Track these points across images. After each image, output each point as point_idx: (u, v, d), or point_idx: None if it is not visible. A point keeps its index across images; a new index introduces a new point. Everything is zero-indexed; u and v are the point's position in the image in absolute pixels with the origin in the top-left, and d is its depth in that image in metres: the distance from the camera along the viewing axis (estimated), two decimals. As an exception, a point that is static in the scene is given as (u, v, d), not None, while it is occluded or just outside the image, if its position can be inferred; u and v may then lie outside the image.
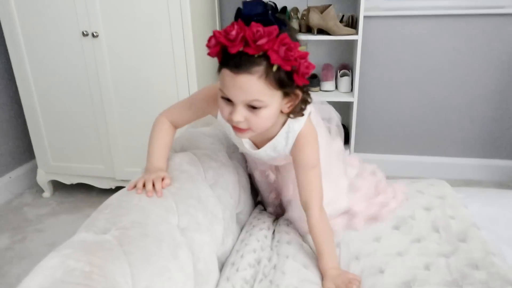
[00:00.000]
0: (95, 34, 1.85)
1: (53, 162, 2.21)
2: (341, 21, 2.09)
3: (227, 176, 1.12)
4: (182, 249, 0.82)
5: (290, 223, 1.18)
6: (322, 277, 0.99)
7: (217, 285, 0.92)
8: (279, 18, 0.83)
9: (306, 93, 0.93)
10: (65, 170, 2.22)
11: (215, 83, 0.93)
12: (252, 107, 0.84)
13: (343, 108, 2.38)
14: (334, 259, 1.01)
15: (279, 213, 1.28)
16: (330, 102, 2.24)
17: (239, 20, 0.80)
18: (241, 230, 1.17)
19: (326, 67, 2.23)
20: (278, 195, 1.27)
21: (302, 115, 0.96)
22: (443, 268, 0.98)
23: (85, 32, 1.86)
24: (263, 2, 0.84)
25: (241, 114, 0.85)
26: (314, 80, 2.20)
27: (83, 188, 2.32)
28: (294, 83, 0.84)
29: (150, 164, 0.99)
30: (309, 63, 0.83)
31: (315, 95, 2.14)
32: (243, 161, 1.30)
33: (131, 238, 0.74)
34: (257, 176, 1.27)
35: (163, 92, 1.92)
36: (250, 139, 1.05)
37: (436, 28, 2.14)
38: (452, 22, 2.12)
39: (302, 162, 1.00)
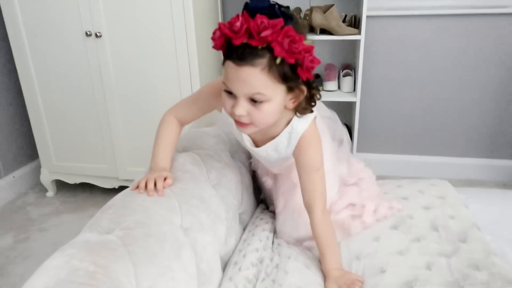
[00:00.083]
0: (98, 34, 1.86)
1: (57, 161, 2.22)
2: (343, 21, 2.09)
3: (230, 176, 1.12)
4: (185, 249, 0.82)
5: None
6: (325, 278, 0.99)
7: (220, 285, 0.92)
8: (285, 12, 0.82)
9: (315, 89, 0.91)
10: (69, 169, 2.23)
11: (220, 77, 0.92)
12: (255, 101, 0.83)
13: (346, 108, 2.38)
14: (336, 259, 1.00)
15: None
16: (332, 102, 2.26)
17: (244, 12, 0.79)
18: (244, 230, 1.17)
19: (329, 67, 2.23)
20: None
21: (311, 111, 0.94)
22: (444, 269, 0.98)
23: (88, 32, 1.86)
24: None
25: (243, 108, 0.84)
26: (317, 80, 2.20)
27: (87, 188, 2.32)
28: (299, 77, 0.83)
29: (154, 164, 0.99)
30: (314, 57, 0.82)
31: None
32: (246, 161, 1.30)
33: (135, 238, 0.74)
34: (260, 172, 1.27)
35: (166, 92, 1.92)
36: (251, 136, 1.04)
37: (439, 28, 2.14)
38: (454, 21, 2.12)
39: (305, 164, 0.98)
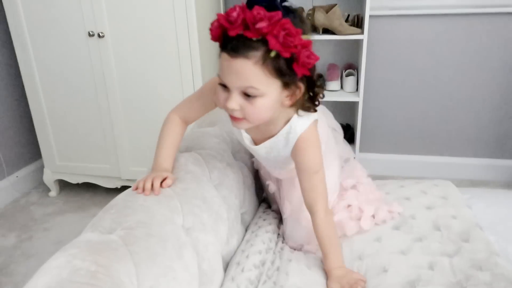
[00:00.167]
0: (101, 34, 1.86)
1: (59, 161, 2.23)
2: (346, 20, 2.08)
3: (232, 176, 1.12)
4: (187, 249, 0.82)
5: None
6: (327, 277, 0.99)
7: (221, 285, 0.92)
8: (287, 6, 0.79)
9: (319, 87, 0.89)
10: (71, 169, 2.23)
11: None
12: (248, 95, 0.81)
13: (348, 108, 2.37)
14: (339, 258, 1.00)
15: None
16: (335, 102, 2.26)
17: (243, 3, 0.77)
18: (246, 230, 1.17)
19: (332, 66, 2.23)
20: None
21: (315, 110, 0.92)
22: (447, 269, 0.97)
23: (91, 33, 1.87)
24: None
25: (236, 102, 0.82)
26: (320, 79, 2.19)
27: (89, 188, 2.33)
28: (295, 73, 0.80)
29: (156, 164, 0.99)
30: (311, 53, 0.79)
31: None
32: (249, 161, 1.30)
33: (136, 238, 0.74)
34: (262, 173, 1.26)
35: (168, 92, 1.92)
36: (250, 135, 1.02)
37: (442, 27, 2.13)
38: (458, 21, 2.11)
39: (303, 166, 0.96)
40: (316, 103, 0.91)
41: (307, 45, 0.78)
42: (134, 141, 2.07)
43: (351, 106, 2.35)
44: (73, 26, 1.89)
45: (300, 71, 0.80)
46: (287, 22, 0.75)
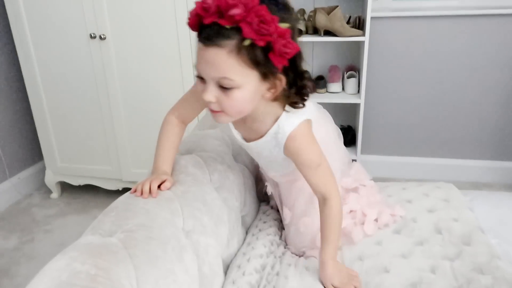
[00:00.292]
0: (102, 36, 1.86)
1: (61, 163, 2.23)
2: (348, 22, 2.08)
3: (233, 178, 1.12)
4: (187, 252, 0.82)
5: None
6: (320, 267, 0.96)
7: (222, 287, 0.92)
8: None
9: (306, 79, 0.83)
10: (73, 171, 2.24)
11: None
12: (224, 87, 0.77)
13: (350, 110, 2.37)
14: (335, 251, 0.96)
15: None
16: (336, 104, 2.26)
17: None
18: (247, 232, 1.17)
19: (333, 68, 2.23)
20: None
21: (303, 105, 0.87)
22: (449, 273, 0.97)
23: (92, 35, 1.87)
24: None
25: (211, 93, 0.78)
26: (321, 82, 2.19)
27: (91, 189, 2.33)
28: (272, 63, 0.75)
29: (155, 167, 0.99)
30: (289, 42, 0.74)
31: (322, 97, 2.15)
32: (249, 163, 1.30)
33: (136, 241, 0.74)
34: (261, 173, 1.25)
35: (169, 94, 1.92)
36: (239, 132, 1.00)
37: (444, 29, 2.13)
38: (460, 22, 2.10)
39: (302, 164, 0.93)
40: (305, 97, 0.86)
41: (284, 33, 0.73)
42: (135, 143, 2.07)
43: (353, 108, 2.34)
44: (75, 28, 1.90)
45: (277, 61, 0.75)
46: (262, 8, 0.71)
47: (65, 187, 2.38)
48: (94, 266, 0.65)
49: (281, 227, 1.20)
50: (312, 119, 0.94)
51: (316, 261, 1.03)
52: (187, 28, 1.79)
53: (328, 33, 2.06)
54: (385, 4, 2.21)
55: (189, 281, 0.79)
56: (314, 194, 0.98)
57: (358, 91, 2.16)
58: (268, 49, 0.74)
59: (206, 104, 0.83)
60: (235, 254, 1.04)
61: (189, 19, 0.77)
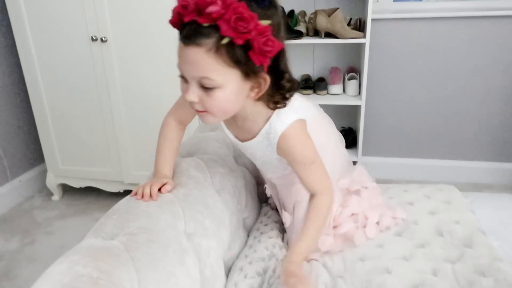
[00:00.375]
0: (104, 39, 1.87)
1: (62, 165, 2.23)
2: (348, 24, 2.09)
3: (234, 181, 1.12)
4: (189, 255, 0.82)
5: None
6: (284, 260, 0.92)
7: (224, 290, 0.92)
8: None
9: (286, 80, 0.81)
10: (74, 173, 2.24)
11: None
12: (205, 87, 0.76)
13: (351, 112, 2.37)
14: (307, 251, 0.93)
15: None
16: (337, 106, 2.26)
17: None
18: (248, 234, 1.17)
19: (334, 70, 2.23)
20: None
21: (284, 105, 0.84)
22: (450, 275, 0.97)
23: (94, 37, 1.88)
24: None
25: (194, 93, 0.77)
26: (322, 84, 2.20)
27: (92, 192, 2.33)
28: (253, 62, 0.73)
29: (156, 170, 0.99)
30: (269, 39, 0.71)
31: (323, 99, 2.16)
32: (250, 165, 1.30)
33: (138, 244, 0.74)
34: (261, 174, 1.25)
35: (170, 96, 1.90)
36: (233, 133, 0.99)
37: (445, 30, 2.13)
38: (461, 24, 2.10)
39: (295, 162, 0.91)
40: (287, 96, 0.84)
41: (264, 31, 0.71)
42: (136, 145, 2.07)
43: (354, 110, 2.34)
44: (76, 30, 1.90)
45: (257, 60, 0.72)
46: (241, 5, 0.69)
47: (66, 189, 2.38)
48: (96, 269, 0.66)
49: (282, 229, 1.20)
50: (311, 121, 0.93)
51: (318, 264, 1.03)
52: (188, 31, 1.80)
53: (329, 35, 2.06)
54: (386, 6, 2.21)
55: (190, 284, 0.79)
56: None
57: (359, 93, 2.16)
58: (248, 47, 0.72)
59: (190, 105, 0.82)
60: (237, 257, 1.04)
61: (172, 17, 0.76)
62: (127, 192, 1.01)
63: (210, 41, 0.72)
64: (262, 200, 1.35)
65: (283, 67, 0.82)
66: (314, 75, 2.33)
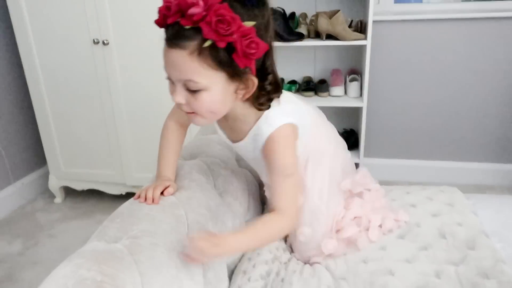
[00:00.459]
0: (105, 41, 1.87)
1: (65, 168, 2.24)
2: (350, 26, 2.09)
3: (237, 183, 1.12)
4: (192, 258, 0.82)
5: None
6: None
7: (227, 293, 0.92)
8: None
9: (269, 82, 0.79)
10: (76, 176, 2.24)
11: None
12: (191, 89, 0.75)
13: (353, 113, 2.37)
14: (241, 247, 0.87)
15: None
16: (339, 108, 2.26)
17: None
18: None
19: (335, 72, 2.23)
20: None
21: (268, 107, 0.83)
22: (453, 277, 0.96)
23: (95, 40, 1.88)
24: None
25: (181, 96, 0.76)
26: (323, 85, 2.20)
27: (94, 194, 2.33)
28: (238, 64, 0.71)
29: (159, 173, 0.99)
30: (252, 41, 0.69)
31: (324, 101, 2.16)
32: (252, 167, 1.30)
33: (141, 247, 0.75)
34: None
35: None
36: (226, 133, 0.98)
37: (446, 32, 2.13)
38: (462, 25, 2.11)
39: (273, 166, 0.87)
40: (270, 98, 0.82)
41: (247, 32, 0.69)
42: (138, 148, 2.08)
43: (355, 112, 2.34)
44: (78, 33, 1.91)
45: (241, 63, 0.71)
46: (223, 7, 0.67)
47: (69, 192, 2.38)
48: (100, 272, 0.66)
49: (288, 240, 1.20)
50: (308, 126, 0.92)
51: (321, 268, 1.03)
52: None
53: (330, 37, 2.07)
54: (387, 8, 2.21)
55: (194, 287, 0.79)
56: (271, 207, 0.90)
57: (361, 95, 2.17)
58: (232, 49, 0.70)
59: (177, 106, 0.81)
60: (240, 260, 1.04)
61: (157, 18, 0.75)
62: (129, 194, 1.02)
63: (193, 44, 0.71)
64: (265, 202, 1.35)
65: (269, 68, 0.80)
66: (316, 77, 2.33)
